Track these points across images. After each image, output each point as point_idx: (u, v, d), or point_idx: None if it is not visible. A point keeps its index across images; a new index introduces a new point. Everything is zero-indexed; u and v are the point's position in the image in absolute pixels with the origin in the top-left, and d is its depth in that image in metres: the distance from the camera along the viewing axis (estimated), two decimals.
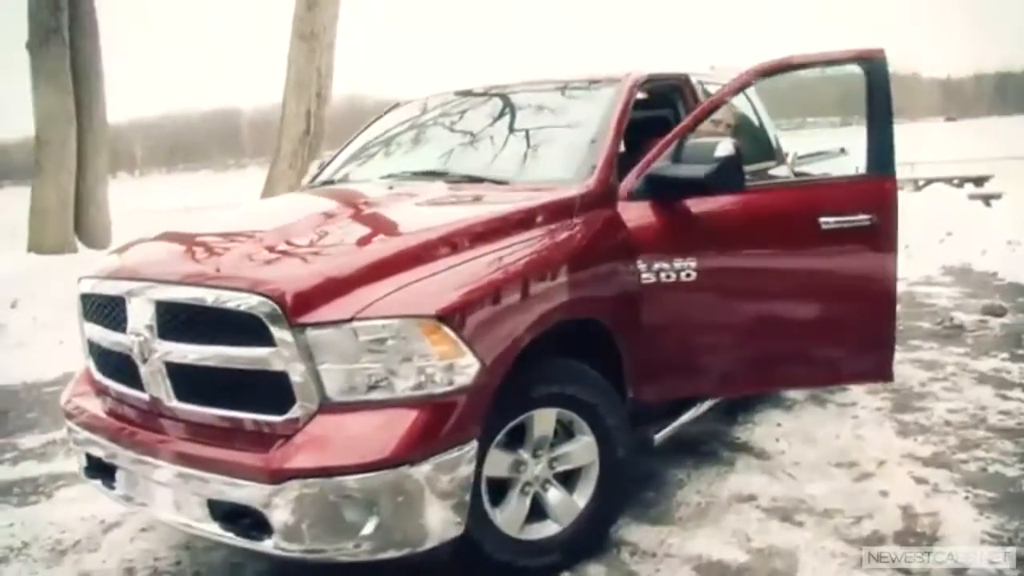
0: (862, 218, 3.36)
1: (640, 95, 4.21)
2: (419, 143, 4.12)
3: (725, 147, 3.17)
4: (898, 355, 5.30)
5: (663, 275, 3.19)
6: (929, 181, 14.48)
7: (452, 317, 2.50)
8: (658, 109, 4.14)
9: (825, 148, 6.26)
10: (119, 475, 2.87)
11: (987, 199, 12.44)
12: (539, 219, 2.99)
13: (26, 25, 11.42)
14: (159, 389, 2.71)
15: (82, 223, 11.99)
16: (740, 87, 3.60)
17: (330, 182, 4.01)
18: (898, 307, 6.71)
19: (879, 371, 3.59)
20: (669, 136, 3.32)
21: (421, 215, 3.10)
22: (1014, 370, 4.92)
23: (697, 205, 3.26)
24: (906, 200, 12.30)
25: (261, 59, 11.29)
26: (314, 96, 11.31)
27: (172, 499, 2.69)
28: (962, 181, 14.24)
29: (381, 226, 3.02)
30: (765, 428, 4.16)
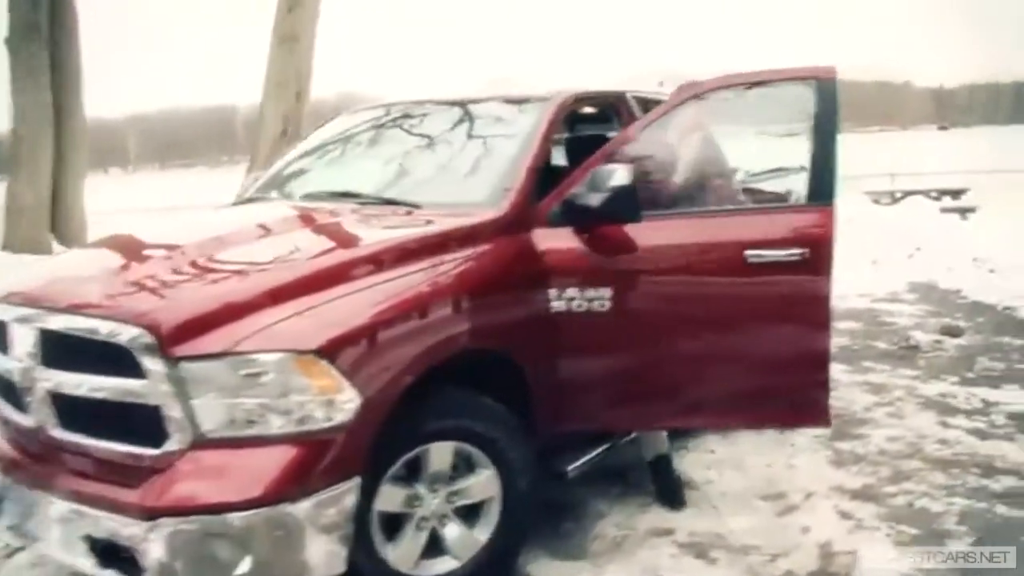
0: (793, 252, 3.07)
1: (584, 111, 4.08)
2: (343, 159, 3.96)
3: (620, 176, 2.97)
4: (847, 377, 5.24)
5: (575, 304, 3.04)
6: (907, 193, 14.36)
7: (332, 352, 2.37)
8: (600, 128, 4.00)
9: (784, 164, 6.14)
10: (6, 505, 2.75)
11: (963, 212, 12.36)
12: (440, 246, 2.84)
13: (6, 21, 11.32)
14: (44, 418, 2.59)
15: (58, 221, 11.87)
16: (674, 107, 3.40)
17: (253, 199, 3.85)
18: (857, 326, 6.74)
19: (813, 416, 3.28)
20: (589, 160, 3.17)
21: (318, 241, 2.97)
22: (960, 395, 4.80)
23: (614, 233, 3.10)
24: (879, 213, 12.30)
25: (257, 57, 11.24)
26: (293, 97, 11.17)
27: (55, 533, 2.56)
28: (940, 194, 14.13)
29: (274, 252, 2.88)
30: (697, 455, 4.02)
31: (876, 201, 14.05)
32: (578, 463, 3.25)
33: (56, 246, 11.36)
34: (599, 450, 3.34)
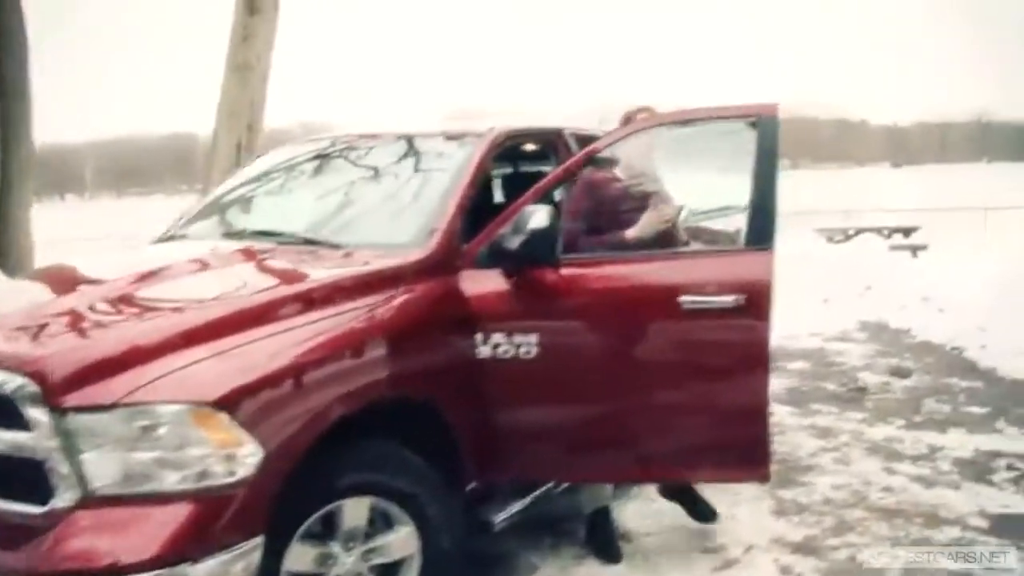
0: (728, 299, 2.92)
1: (524, 148, 3.97)
2: (270, 196, 3.77)
3: (539, 217, 2.86)
4: (795, 421, 5.14)
5: (500, 351, 2.90)
6: (860, 230, 14.49)
7: (232, 403, 2.20)
8: (539, 165, 3.90)
9: (732, 202, 6.10)
10: None
11: (914, 250, 12.47)
12: (357, 289, 2.69)
13: None
14: None
15: (2, 250, 11.49)
16: (609, 146, 3.30)
17: (174, 236, 3.65)
18: (807, 366, 6.69)
19: (750, 470, 3.10)
20: (518, 201, 3.06)
21: (228, 284, 2.79)
22: (906, 440, 4.72)
23: (542, 277, 2.97)
24: (831, 251, 12.38)
25: (218, 86, 11.13)
26: (245, 128, 10.92)
27: None
28: (891, 232, 14.28)
29: (180, 295, 2.70)
30: (640, 504, 3.88)
31: (830, 239, 14.16)
32: (507, 513, 3.10)
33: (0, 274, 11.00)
34: (529, 499, 3.19)
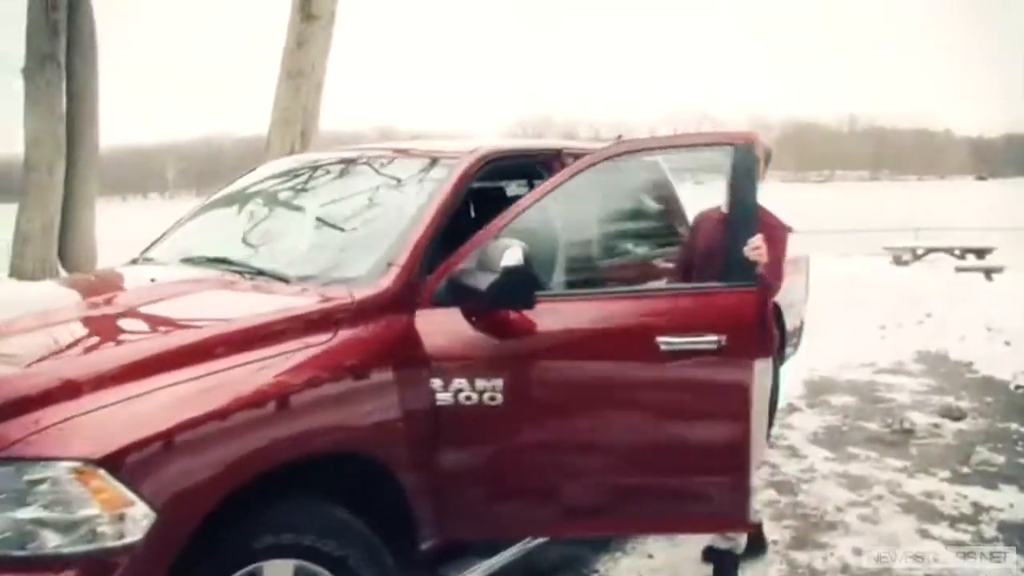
0: (709, 340, 2.65)
1: (510, 170, 3.65)
2: (235, 219, 3.47)
3: (513, 255, 2.52)
4: (827, 467, 4.67)
5: (462, 397, 2.58)
6: (929, 250, 13.61)
7: (119, 461, 1.94)
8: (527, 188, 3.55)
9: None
10: None
11: (988, 273, 11.61)
12: (291, 331, 2.38)
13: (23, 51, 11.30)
14: None
15: (66, 248, 11.70)
16: (580, 171, 2.92)
17: (136, 260, 3.42)
18: (852, 401, 6.15)
19: (732, 518, 2.84)
20: (479, 233, 2.73)
21: (155, 322, 2.53)
22: (948, 496, 4.21)
23: (508, 316, 2.66)
24: (891, 273, 11.63)
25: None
26: (298, 135, 10.85)
27: None
28: (964, 252, 13.34)
29: (106, 331, 2.46)
30: (634, 560, 3.50)
31: (897, 258, 13.31)
32: (473, 573, 2.78)
33: (63, 273, 11.19)
34: (500, 557, 2.85)
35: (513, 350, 2.66)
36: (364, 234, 2.97)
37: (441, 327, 2.62)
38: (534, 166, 3.49)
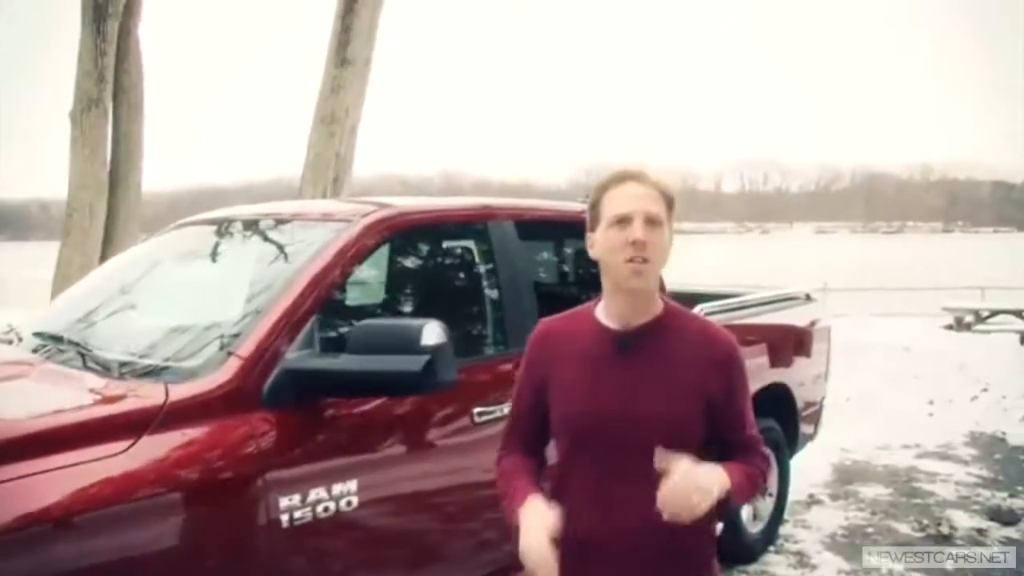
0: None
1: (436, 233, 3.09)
2: (105, 290, 2.93)
3: (434, 331, 2.09)
4: None
5: (320, 509, 2.11)
6: (994, 312, 12.37)
7: None
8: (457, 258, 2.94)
9: (785, 291, 4.91)
10: None
11: None
12: (79, 438, 1.84)
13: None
14: None
15: None
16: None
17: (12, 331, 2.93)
18: (885, 493, 5.28)
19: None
20: (285, 309, 2.24)
21: None
22: None
23: (337, 408, 2.23)
24: (945, 340, 10.53)
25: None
26: (331, 181, 10.57)
27: None
28: None
29: None
30: None
31: (958, 321, 12.13)
32: None
33: None
34: None
35: (361, 443, 2.30)
36: (218, 313, 2.41)
37: (283, 428, 2.11)
38: (459, 229, 2.89)
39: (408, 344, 2.06)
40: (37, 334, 2.60)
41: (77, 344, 2.40)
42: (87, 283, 3.17)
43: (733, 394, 1.71)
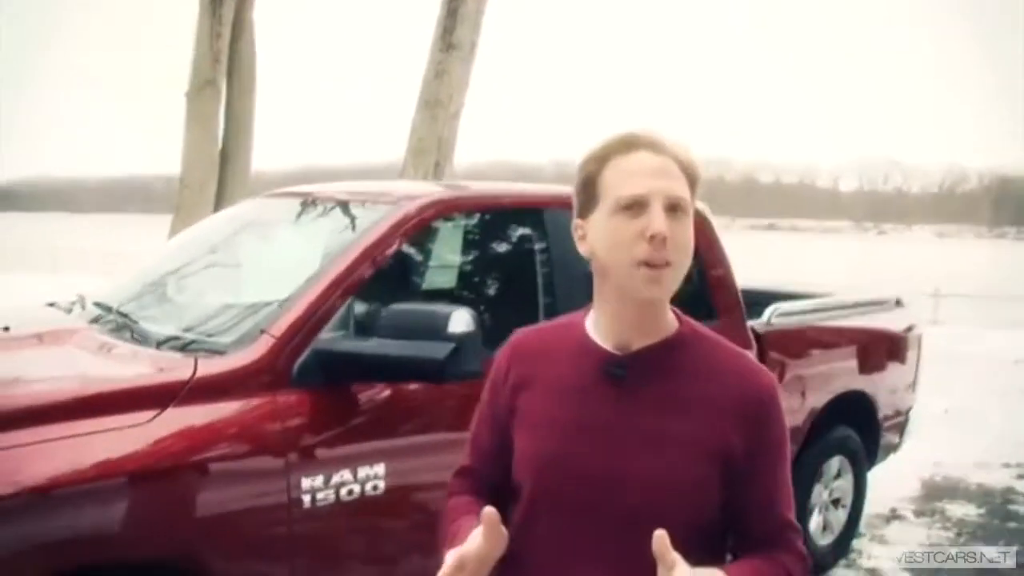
0: None
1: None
2: (168, 263, 2.98)
3: (462, 319, 2.05)
4: None
5: (344, 491, 2.10)
6: None
7: None
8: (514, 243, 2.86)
9: (871, 296, 4.61)
10: None
11: None
12: (101, 406, 1.88)
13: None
14: None
15: None
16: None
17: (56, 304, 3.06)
18: (974, 513, 4.80)
19: None
20: (323, 289, 2.22)
21: None
22: None
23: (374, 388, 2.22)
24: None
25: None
26: (432, 165, 10.69)
27: None
28: None
29: None
30: None
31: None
32: None
33: None
34: None
35: (391, 428, 2.26)
36: (263, 291, 2.44)
37: (310, 410, 2.12)
38: (513, 216, 2.82)
39: (435, 330, 2.03)
40: (97, 304, 2.70)
41: (126, 316, 2.48)
42: (154, 257, 3.27)
43: (762, 456, 1.20)
